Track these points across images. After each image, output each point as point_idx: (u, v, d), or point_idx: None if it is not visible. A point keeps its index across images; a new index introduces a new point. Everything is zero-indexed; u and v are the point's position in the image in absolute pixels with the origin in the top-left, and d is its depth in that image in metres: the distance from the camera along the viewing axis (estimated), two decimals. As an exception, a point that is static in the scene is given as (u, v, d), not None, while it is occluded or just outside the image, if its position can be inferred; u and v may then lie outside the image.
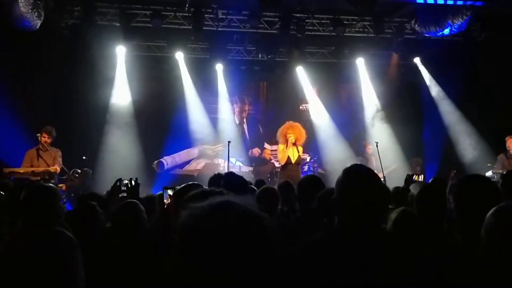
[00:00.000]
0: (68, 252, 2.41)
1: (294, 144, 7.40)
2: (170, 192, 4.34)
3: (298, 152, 7.40)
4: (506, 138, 7.99)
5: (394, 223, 2.80)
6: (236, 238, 0.92)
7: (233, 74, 10.53)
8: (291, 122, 7.80)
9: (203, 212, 0.96)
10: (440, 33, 8.79)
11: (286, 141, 7.41)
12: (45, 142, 7.08)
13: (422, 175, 7.07)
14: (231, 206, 0.99)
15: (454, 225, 1.96)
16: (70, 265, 2.37)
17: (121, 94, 9.82)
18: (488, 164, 8.27)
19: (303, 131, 7.66)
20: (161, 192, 3.23)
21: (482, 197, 1.85)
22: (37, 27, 7.51)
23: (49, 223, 2.53)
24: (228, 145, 8.34)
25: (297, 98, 11.20)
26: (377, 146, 8.17)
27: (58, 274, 2.33)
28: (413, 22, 9.11)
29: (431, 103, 10.41)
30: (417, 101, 10.59)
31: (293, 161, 7.34)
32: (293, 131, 7.49)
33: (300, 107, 11.29)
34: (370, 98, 10.85)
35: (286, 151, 7.37)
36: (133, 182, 3.68)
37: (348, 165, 1.94)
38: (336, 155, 10.13)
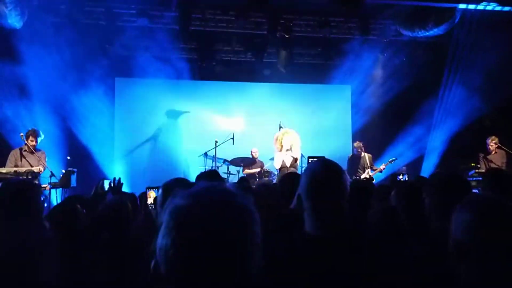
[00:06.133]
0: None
1: (289, 149, 7.43)
2: (153, 192, 4.33)
3: (293, 157, 7.41)
4: (489, 139, 8.06)
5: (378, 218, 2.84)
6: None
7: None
8: (286, 129, 7.86)
9: (195, 193, 1.02)
10: (425, 34, 8.86)
11: (282, 147, 7.44)
12: (32, 146, 6.97)
13: (407, 175, 7.16)
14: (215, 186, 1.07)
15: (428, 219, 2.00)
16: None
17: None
18: (472, 164, 8.32)
19: (297, 136, 7.63)
20: (144, 191, 3.23)
21: (452, 194, 1.89)
22: (20, 26, 7.41)
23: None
24: (215, 145, 8.31)
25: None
26: (362, 145, 8.26)
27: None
28: (397, 23, 9.17)
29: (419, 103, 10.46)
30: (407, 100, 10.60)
31: (287, 165, 7.39)
32: (289, 137, 7.50)
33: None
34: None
35: (281, 156, 7.41)
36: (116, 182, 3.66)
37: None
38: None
